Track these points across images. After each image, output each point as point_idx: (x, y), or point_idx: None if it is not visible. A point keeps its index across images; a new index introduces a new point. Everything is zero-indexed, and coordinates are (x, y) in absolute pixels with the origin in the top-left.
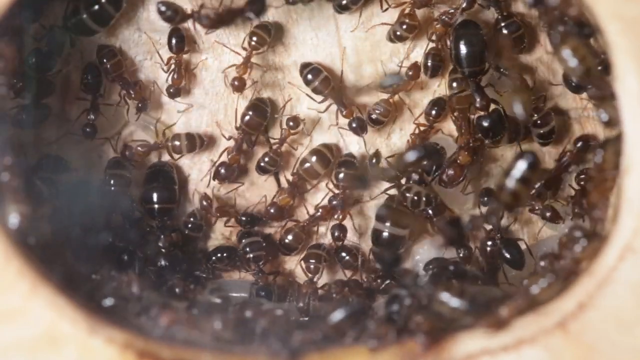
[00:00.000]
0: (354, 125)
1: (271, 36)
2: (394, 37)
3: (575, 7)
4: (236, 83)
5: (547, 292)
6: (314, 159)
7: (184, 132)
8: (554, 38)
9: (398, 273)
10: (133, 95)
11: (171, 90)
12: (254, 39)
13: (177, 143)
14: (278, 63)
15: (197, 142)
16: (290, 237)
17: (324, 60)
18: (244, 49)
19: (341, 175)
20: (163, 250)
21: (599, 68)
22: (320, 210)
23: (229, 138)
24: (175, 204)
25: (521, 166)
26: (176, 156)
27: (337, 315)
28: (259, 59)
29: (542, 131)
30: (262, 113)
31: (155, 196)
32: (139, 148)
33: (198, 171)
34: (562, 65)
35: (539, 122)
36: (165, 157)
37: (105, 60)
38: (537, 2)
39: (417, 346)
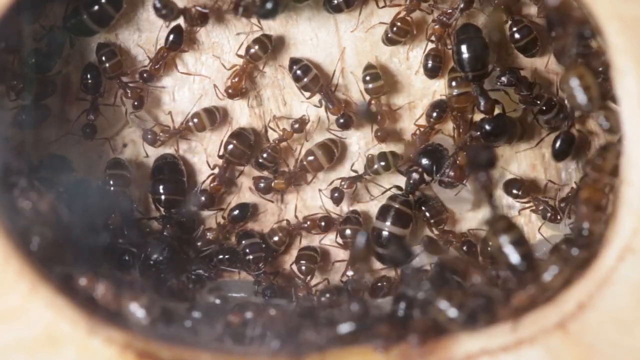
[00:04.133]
0: (340, 121)
1: (270, 48)
2: (385, 40)
3: (579, 10)
4: (230, 91)
5: (558, 279)
6: (320, 152)
7: (201, 108)
8: (563, 63)
9: (406, 272)
10: (130, 95)
11: (145, 75)
12: (255, 47)
13: (196, 120)
14: (277, 64)
15: (217, 115)
16: (275, 238)
17: (324, 60)
18: (240, 56)
19: (347, 232)
20: (167, 240)
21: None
22: (309, 222)
23: (214, 167)
24: (184, 196)
25: None
26: (196, 134)
27: (346, 327)
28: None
29: (548, 117)
30: (245, 142)
31: (162, 188)
32: (160, 133)
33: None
34: (567, 94)
35: (543, 108)
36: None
37: (104, 59)
38: (550, 27)
39: (410, 345)
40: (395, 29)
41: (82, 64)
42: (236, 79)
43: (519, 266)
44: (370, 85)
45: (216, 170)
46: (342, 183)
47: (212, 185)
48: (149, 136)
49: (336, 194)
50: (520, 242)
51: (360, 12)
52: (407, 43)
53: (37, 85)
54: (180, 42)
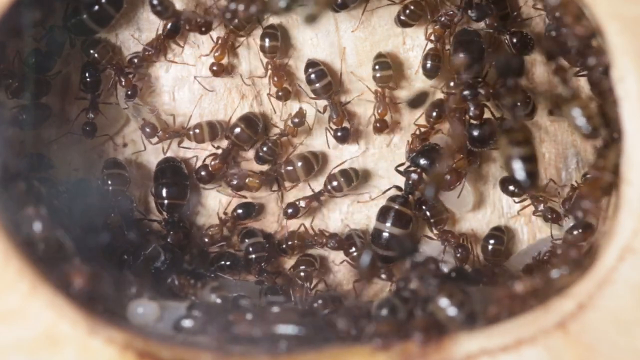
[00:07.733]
0: (338, 134)
1: (279, 34)
2: (397, 22)
3: (582, 27)
4: (280, 94)
5: (566, 278)
6: (299, 164)
7: (205, 120)
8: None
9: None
10: (124, 83)
11: (136, 60)
12: (266, 40)
13: (197, 131)
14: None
15: (219, 130)
16: (290, 242)
17: (324, 60)
18: (264, 61)
19: (352, 249)
20: (171, 245)
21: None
22: (324, 240)
23: (217, 147)
24: (186, 200)
25: None
26: (193, 145)
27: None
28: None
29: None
30: (253, 127)
31: (165, 192)
32: (160, 131)
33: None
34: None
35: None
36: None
37: (92, 52)
38: (551, 57)
39: (414, 344)
40: (407, 11)
41: (82, 64)
42: (275, 79)
43: (522, 182)
44: (378, 74)
45: (219, 151)
46: (300, 202)
47: (213, 163)
48: (148, 129)
49: (290, 210)
50: (531, 159)
51: (364, 11)
52: (409, 39)
53: (33, 84)
54: (178, 31)
